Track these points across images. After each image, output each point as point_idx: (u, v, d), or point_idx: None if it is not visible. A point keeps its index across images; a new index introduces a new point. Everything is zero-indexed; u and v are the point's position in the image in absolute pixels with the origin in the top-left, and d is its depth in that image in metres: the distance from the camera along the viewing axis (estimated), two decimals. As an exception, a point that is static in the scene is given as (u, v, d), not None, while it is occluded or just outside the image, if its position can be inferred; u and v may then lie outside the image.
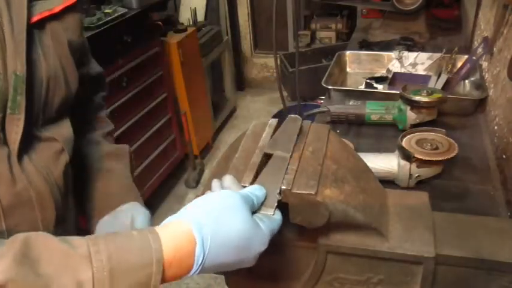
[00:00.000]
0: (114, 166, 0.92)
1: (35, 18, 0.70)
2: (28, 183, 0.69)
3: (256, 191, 0.63)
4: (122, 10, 2.36)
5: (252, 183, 0.65)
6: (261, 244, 0.59)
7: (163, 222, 0.58)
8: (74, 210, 0.86)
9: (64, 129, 0.78)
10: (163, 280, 0.53)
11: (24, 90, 0.66)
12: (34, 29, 0.70)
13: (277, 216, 0.63)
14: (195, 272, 0.55)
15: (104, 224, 0.85)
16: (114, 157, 0.94)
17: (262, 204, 0.63)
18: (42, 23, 0.71)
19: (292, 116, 0.78)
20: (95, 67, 0.97)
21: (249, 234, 0.58)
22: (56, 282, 0.47)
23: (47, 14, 0.72)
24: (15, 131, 0.66)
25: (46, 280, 0.47)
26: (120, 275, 0.49)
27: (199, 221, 0.55)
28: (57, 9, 0.73)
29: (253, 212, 0.61)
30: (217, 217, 0.56)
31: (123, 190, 0.90)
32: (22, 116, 0.66)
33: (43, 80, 0.71)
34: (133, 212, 0.85)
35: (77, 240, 0.51)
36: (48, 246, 0.50)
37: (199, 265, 0.55)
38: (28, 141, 0.70)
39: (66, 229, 0.78)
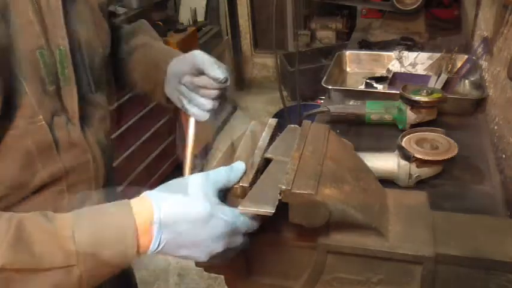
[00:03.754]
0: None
1: None
2: (88, 147, 0.77)
3: (229, 171, 0.66)
4: (122, 10, 2.37)
5: (251, 183, 0.66)
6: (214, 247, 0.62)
7: (142, 195, 0.61)
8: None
9: (106, 94, 0.85)
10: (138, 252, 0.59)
11: (70, 63, 0.71)
12: None
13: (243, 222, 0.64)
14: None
15: (174, 65, 0.89)
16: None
17: (260, 202, 0.62)
18: None
19: (292, 125, 0.79)
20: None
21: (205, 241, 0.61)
22: (47, 259, 0.55)
23: None
24: (69, 100, 0.73)
25: (39, 258, 0.54)
26: (100, 248, 0.57)
27: (163, 222, 0.59)
28: None
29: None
30: (182, 228, 0.60)
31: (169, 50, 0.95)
32: (74, 87, 0.72)
33: (83, 47, 0.75)
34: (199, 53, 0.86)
35: (64, 220, 0.58)
36: (38, 227, 0.56)
37: (154, 251, 0.60)
38: (84, 109, 0.77)
39: (111, 188, 0.86)
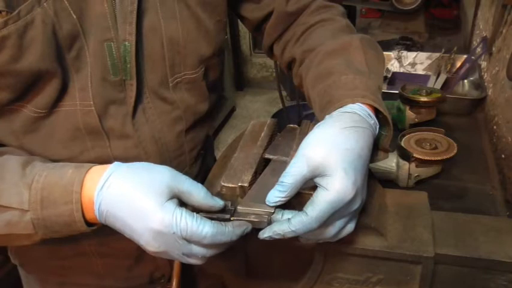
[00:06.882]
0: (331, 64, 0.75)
1: None
2: (139, 142, 0.76)
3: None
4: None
5: (250, 182, 0.65)
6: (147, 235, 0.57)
7: (95, 170, 0.61)
8: (198, 167, 0.90)
9: (192, 94, 0.81)
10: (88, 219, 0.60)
11: (133, 59, 0.70)
12: None
13: (208, 227, 0.57)
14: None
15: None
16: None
17: (259, 202, 0.62)
18: None
19: (291, 125, 0.79)
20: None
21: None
22: (6, 197, 0.59)
23: None
24: (129, 95, 0.73)
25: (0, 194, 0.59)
26: (48, 204, 0.59)
27: (108, 202, 0.58)
28: None
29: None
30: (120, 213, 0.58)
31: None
32: (134, 82, 0.72)
33: (164, 44, 0.73)
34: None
35: (35, 168, 0.61)
36: (12, 168, 0.61)
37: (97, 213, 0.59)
38: (149, 103, 0.76)
39: None
